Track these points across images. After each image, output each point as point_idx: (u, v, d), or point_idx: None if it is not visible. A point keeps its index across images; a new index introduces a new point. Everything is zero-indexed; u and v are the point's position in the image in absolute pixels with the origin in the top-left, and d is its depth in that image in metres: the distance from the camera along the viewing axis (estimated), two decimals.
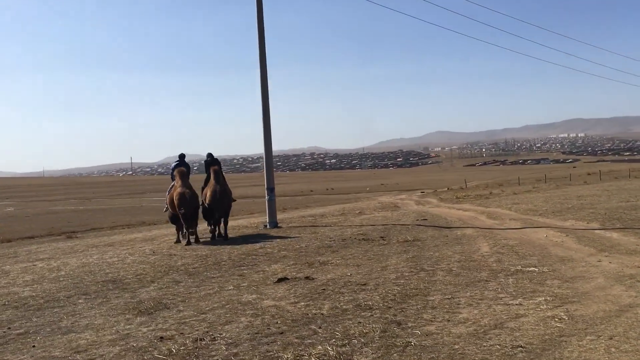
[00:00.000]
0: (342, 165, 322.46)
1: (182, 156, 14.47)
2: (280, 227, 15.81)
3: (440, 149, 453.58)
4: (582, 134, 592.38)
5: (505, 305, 5.94)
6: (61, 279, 9.00)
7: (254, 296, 7.05)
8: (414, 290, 6.83)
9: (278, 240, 12.68)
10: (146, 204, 52.39)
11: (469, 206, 21.51)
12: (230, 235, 13.90)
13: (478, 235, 11.81)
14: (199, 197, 13.72)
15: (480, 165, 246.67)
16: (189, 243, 12.73)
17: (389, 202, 28.28)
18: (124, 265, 10.10)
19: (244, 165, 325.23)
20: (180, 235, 13.39)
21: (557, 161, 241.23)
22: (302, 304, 6.47)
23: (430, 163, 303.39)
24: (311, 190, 60.63)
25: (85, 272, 9.61)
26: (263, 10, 16.51)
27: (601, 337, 4.80)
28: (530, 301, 6.07)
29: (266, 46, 16.46)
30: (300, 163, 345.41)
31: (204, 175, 14.90)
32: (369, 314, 5.89)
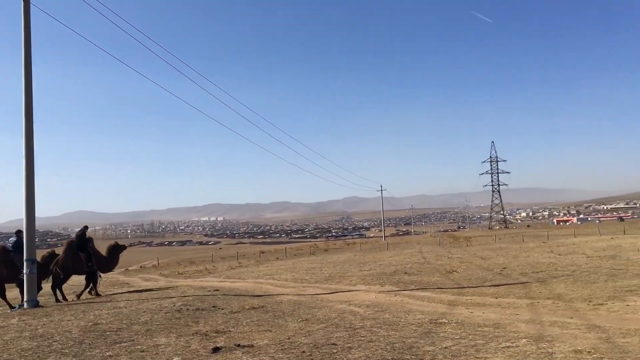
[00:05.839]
0: None
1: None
2: (43, 307, 12.95)
3: None
4: (222, 218, 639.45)
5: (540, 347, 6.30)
6: None
7: None
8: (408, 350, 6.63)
9: (92, 316, 10.39)
10: None
11: (215, 279, 21.12)
12: None
13: (313, 300, 11.88)
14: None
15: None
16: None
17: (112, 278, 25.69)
18: None
19: None
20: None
21: (201, 243, 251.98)
22: None
23: None
24: None
25: None
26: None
27: None
28: (555, 343, 6.56)
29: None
30: None
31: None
32: None
